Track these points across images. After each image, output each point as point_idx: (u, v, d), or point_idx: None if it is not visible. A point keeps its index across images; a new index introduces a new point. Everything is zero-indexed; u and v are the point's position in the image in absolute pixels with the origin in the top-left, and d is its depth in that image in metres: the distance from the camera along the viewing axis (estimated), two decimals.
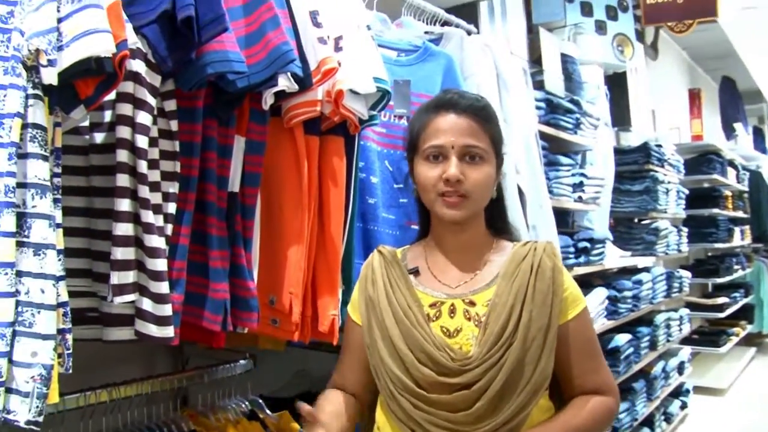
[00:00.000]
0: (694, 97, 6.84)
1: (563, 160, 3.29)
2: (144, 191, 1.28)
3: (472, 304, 1.37)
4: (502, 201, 1.51)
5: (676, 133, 6.41)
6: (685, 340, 5.61)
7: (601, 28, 4.36)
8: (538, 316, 1.33)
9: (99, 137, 1.37)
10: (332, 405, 1.42)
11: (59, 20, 1.06)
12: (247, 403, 1.85)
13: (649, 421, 4.32)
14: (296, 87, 1.53)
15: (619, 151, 4.52)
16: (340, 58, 1.63)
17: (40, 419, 1.03)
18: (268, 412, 1.85)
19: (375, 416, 1.46)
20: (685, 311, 5.16)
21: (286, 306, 1.64)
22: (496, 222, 1.49)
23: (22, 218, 1.05)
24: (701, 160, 5.96)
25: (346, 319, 1.56)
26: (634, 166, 4.55)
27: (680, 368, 4.95)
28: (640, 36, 5.03)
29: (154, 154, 1.34)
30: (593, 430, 1.39)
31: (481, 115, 1.40)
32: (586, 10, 4.27)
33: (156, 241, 1.29)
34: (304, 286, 1.67)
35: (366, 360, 1.44)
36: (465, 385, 1.29)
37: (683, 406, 5.09)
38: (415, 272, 1.45)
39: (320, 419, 1.34)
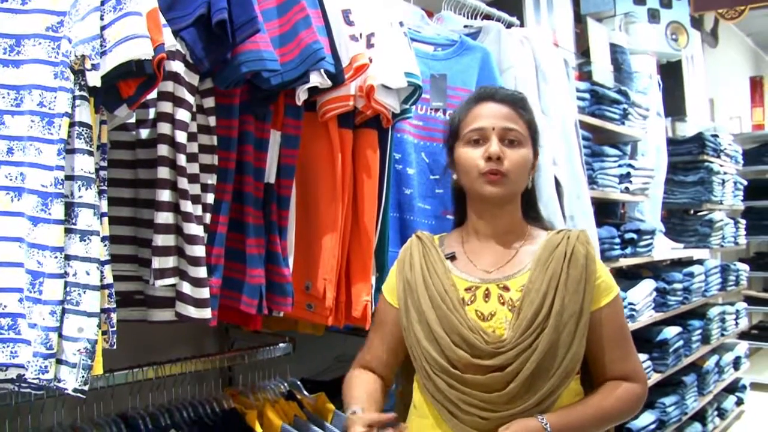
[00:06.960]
0: (756, 84, 6.59)
1: (609, 150, 3.28)
2: (183, 183, 1.38)
3: (506, 289, 1.43)
4: (534, 191, 1.57)
5: (737, 122, 6.21)
6: (743, 335, 5.48)
7: (654, 16, 4.28)
8: (571, 302, 1.38)
9: (144, 133, 1.48)
10: (368, 387, 1.50)
11: (103, 28, 1.17)
12: (286, 384, 1.95)
13: (700, 415, 4.24)
14: (329, 83, 1.61)
15: (672, 142, 4.42)
16: (372, 54, 1.70)
17: (86, 388, 1.15)
18: (305, 393, 1.94)
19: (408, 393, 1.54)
20: (742, 305, 5.04)
21: (321, 292, 1.73)
22: (530, 210, 1.55)
23: (70, 207, 1.17)
24: (763, 150, 5.78)
25: (379, 299, 1.62)
26: (688, 157, 4.44)
27: (736, 363, 4.85)
28: (698, 23, 4.91)
29: (193, 148, 1.44)
30: (621, 415, 1.46)
31: (519, 104, 1.50)
32: None
33: (194, 229, 1.40)
34: (338, 273, 1.76)
35: (396, 343, 1.52)
36: (498, 367, 1.35)
37: (739, 402, 4.97)
38: (452, 257, 1.50)
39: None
